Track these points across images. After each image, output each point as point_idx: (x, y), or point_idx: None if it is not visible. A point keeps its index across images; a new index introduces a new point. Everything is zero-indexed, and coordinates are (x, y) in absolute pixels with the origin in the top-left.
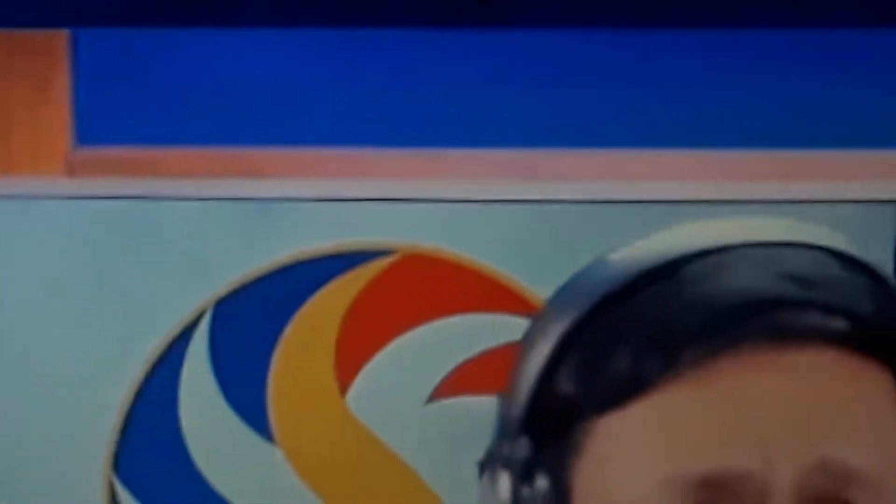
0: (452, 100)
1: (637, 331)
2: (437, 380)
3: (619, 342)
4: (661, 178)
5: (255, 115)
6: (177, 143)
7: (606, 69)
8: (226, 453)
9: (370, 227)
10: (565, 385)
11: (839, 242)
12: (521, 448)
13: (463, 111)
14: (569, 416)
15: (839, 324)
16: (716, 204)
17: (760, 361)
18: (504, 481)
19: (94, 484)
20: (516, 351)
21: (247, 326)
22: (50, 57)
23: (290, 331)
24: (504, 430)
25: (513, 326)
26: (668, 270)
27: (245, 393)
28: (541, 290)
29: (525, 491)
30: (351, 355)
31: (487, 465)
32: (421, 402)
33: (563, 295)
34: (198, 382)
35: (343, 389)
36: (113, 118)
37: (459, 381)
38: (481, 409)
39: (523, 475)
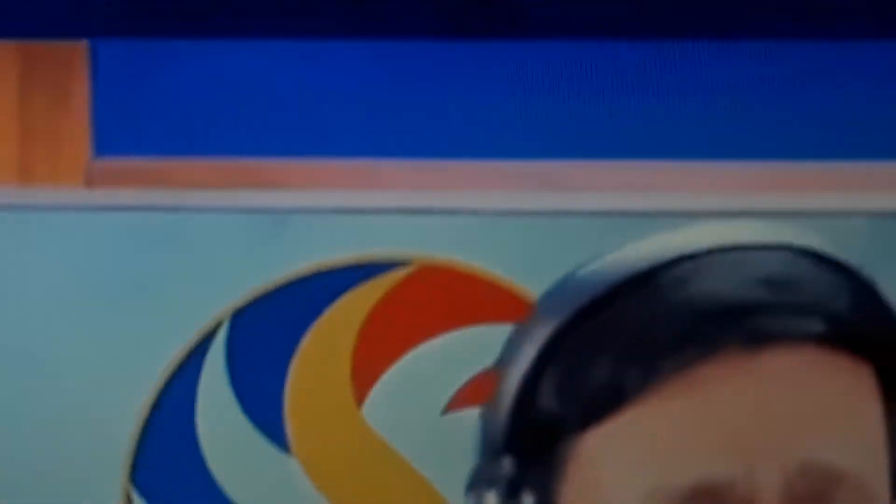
0: (468, 111)
1: (614, 343)
2: (452, 391)
3: (597, 355)
4: (676, 190)
5: (272, 127)
6: (195, 154)
7: (621, 80)
8: (242, 463)
9: (387, 239)
10: (546, 401)
11: (810, 242)
12: (506, 467)
13: (479, 123)
14: (552, 434)
15: (814, 324)
16: (728, 215)
17: (738, 368)
18: (490, 502)
19: (112, 493)
20: (496, 367)
21: (264, 337)
22: (69, 68)
23: (306, 341)
24: (488, 449)
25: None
26: (642, 280)
27: (262, 403)
28: None
29: None
30: (367, 366)
31: (473, 485)
32: (436, 412)
33: (540, 309)
34: (215, 392)
35: (359, 400)
36: (132, 129)
37: (475, 393)
38: None
39: (509, 494)
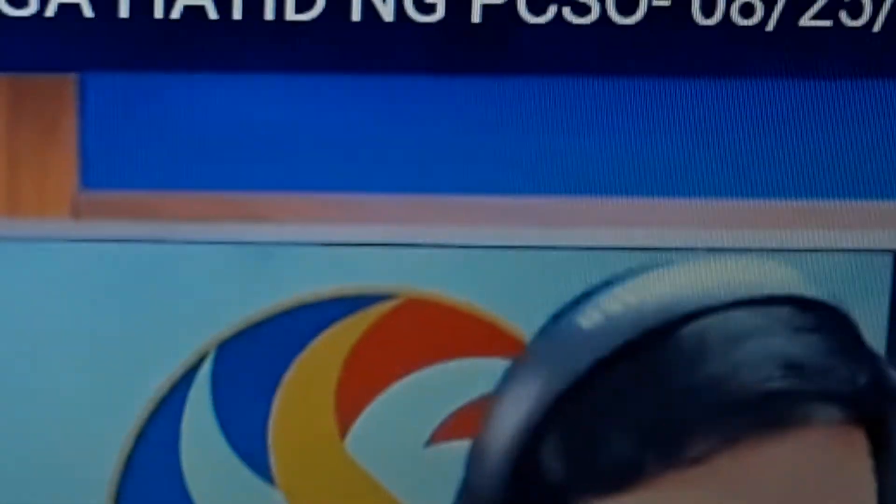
0: (454, 145)
1: (629, 415)
2: (436, 424)
3: (611, 425)
4: (663, 225)
5: (259, 160)
6: (182, 188)
7: (609, 117)
8: (227, 495)
9: (371, 272)
10: (551, 465)
11: (808, 288)
12: None
13: (464, 157)
14: (556, 499)
15: (833, 411)
16: (714, 252)
17: (758, 455)
18: None
19: None
20: (491, 403)
21: (248, 369)
22: (57, 101)
23: (291, 374)
24: (473, 495)
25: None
26: (655, 339)
27: (246, 435)
28: None
29: None
30: (351, 399)
31: None
32: (421, 445)
33: (538, 356)
34: (199, 425)
35: (343, 432)
36: (119, 162)
37: (459, 426)
38: None
39: None
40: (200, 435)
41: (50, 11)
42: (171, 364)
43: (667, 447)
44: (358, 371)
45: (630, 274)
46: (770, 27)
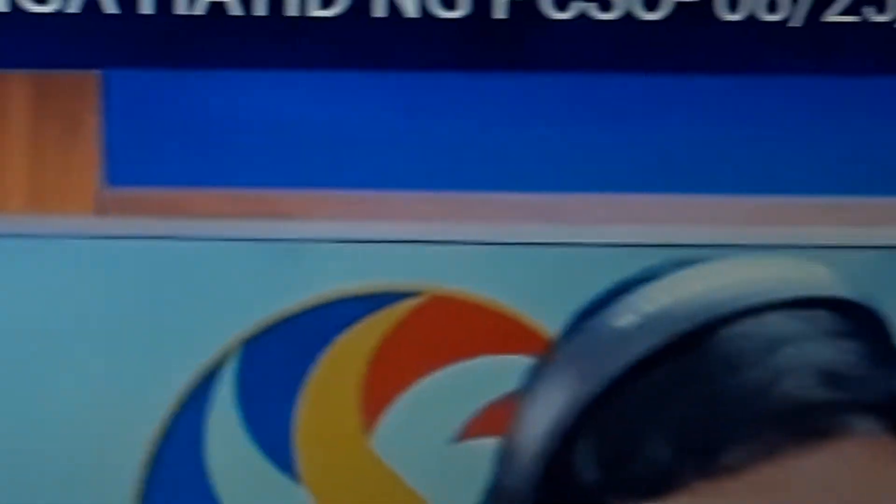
0: (479, 142)
1: (665, 421)
2: (461, 421)
3: (646, 431)
4: (687, 222)
5: (283, 157)
6: (205, 184)
7: (634, 113)
8: (252, 493)
9: (396, 269)
10: (585, 470)
11: (843, 287)
12: None
13: (489, 154)
14: (586, 501)
15: (872, 421)
16: (739, 248)
17: (795, 468)
18: None
19: None
20: (520, 401)
21: (274, 367)
22: (81, 98)
23: (316, 371)
24: (503, 496)
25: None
26: (696, 339)
27: (271, 432)
28: None
29: None
30: (376, 396)
31: None
32: (445, 443)
33: (568, 354)
34: (224, 422)
35: (368, 430)
36: (142, 159)
37: (484, 423)
38: None
39: None
40: (225, 432)
41: (72, 8)
42: (195, 361)
43: (702, 455)
44: (383, 368)
45: (662, 270)
46: (795, 23)
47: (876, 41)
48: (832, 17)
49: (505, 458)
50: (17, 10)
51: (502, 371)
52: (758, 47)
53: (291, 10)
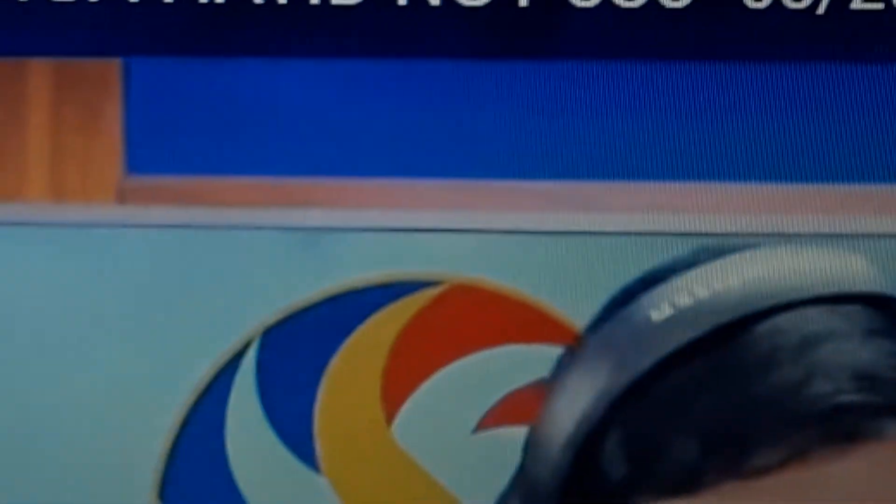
0: (500, 131)
1: (700, 417)
2: (483, 410)
3: (676, 428)
4: (710, 211)
5: (305, 145)
6: (227, 173)
7: (654, 101)
8: (272, 482)
9: (418, 258)
10: (613, 465)
11: (877, 281)
12: None
13: (510, 142)
14: (612, 494)
15: None
16: (761, 237)
17: (824, 472)
18: None
19: None
20: (549, 390)
21: (294, 356)
22: (101, 86)
23: (336, 360)
24: (529, 487)
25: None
26: (731, 333)
27: (292, 421)
28: (588, 322)
29: None
30: (397, 385)
31: None
32: (467, 432)
33: (600, 346)
34: (245, 411)
35: (389, 419)
36: (164, 147)
37: (506, 412)
38: None
39: None
40: (245, 421)
41: None
42: (216, 350)
43: (731, 456)
44: (404, 357)
45: (692, 259)
46: (821, 10)
47: None
48: (859, 4)
49: (532, 447)
50: None
51: (525, 360)
52: (784, 35)
53: None
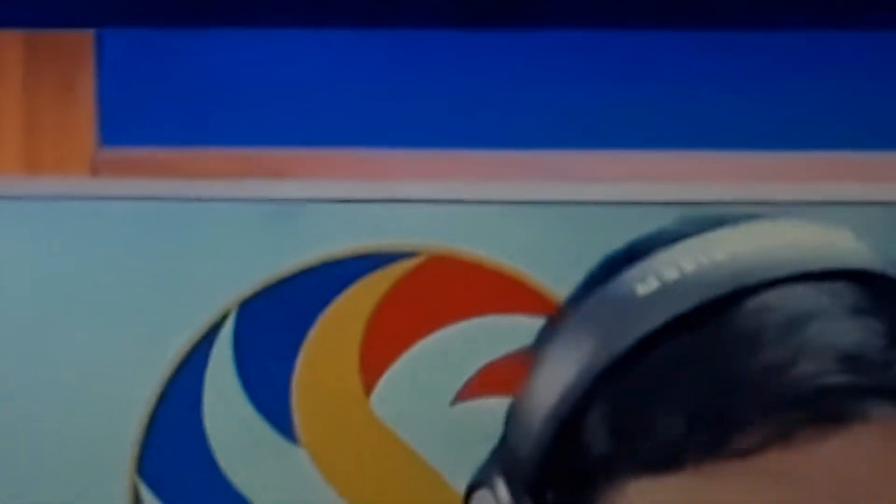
0: (477, 100)
1: (685, 394)
2: (461, 381)
3: (665, 404)
4: (689, 180)
5: (279, 116)
6: (201, 144)
7: (633, 69)
8: (250, 454)
9: (395, 229)
10: (594, 436)
11: (867, 257)
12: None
13: (488, 112)
14: (594, 469)
15: (889, 407)
16: (744, 205)
17: (808, 450)
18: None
19: (118, 485)
20: (529, 362)
21: (271, 328)
22: (75, 58)
23: (314, 332)
24: (511, 455)
25: (538, 328)
26: (717, 308)
27: (269, 394)
28: (566, 292)
29: None
30: (375, 357)
31: (486, 484)
32: (445, 403)
33: (583, 318)
34: (222, 383)
35: (367, 391)
36: (138, 119)
37: (484, 383)
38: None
39: None
40: (223, 393)
41: None
42: (192, 323)
43: (714, 435)
44: (382, 329)
45: (677, 231)
46: None
47: None
48: None
49: (514, 419)
50: None
51: (503, 331)
52: (770, 3)
53: None
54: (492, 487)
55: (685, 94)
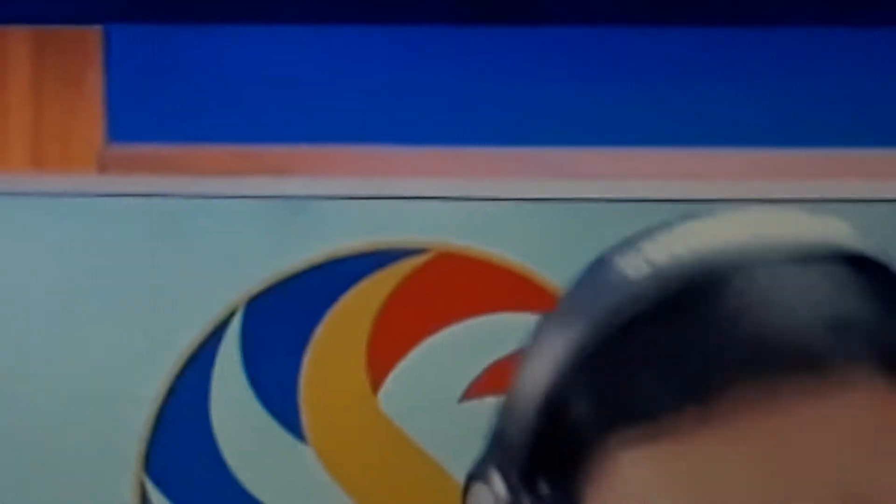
0: (484, 97)
1: (669, 359)
2: (468, 379)
3: (650, 369)
4: (693, 177)
5: (287, 113)
6: (209, 141)
7: (638, 67)
8: (257, 452)
9: (402, 226)
10: (578, 404)
11: (855, 241)
12: (537, 486)
13: (494, 109)
14: (583, 450)
15: (874, 371)
16: (747, 202)
17: (794, 415)
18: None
19: (125, 482)
20: (520, 362)
21: (279, 324)
22: (82, 54)
23: (321, 329)
24: (503, 444)
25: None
26: (705, 289)
27: (276, 391)
28: None
29: None
30: (383, 354)
31: (482, 476)
32: (453, 400)
33: (574, 305)
34: (229, 380)
35: (375, 388)
36: (145, 115)
37: (491, 380)
38: None
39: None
40: (230, 391)
41: None
42: (200, 320)
43: (701, 401)
44: (390, 326)
45: (673, 222)
46: None
47: None
48: None
49: (506, 408)
50: None
51: (511, 328)
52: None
53: None
54: (487, 481)
55: (689, 92)
